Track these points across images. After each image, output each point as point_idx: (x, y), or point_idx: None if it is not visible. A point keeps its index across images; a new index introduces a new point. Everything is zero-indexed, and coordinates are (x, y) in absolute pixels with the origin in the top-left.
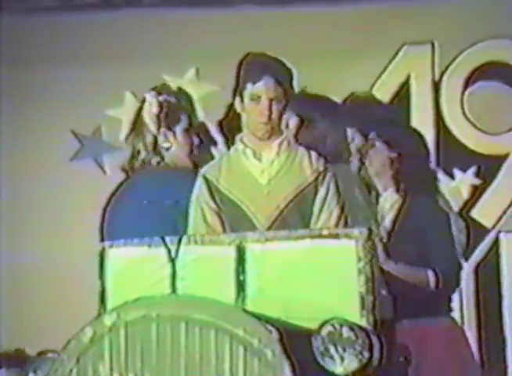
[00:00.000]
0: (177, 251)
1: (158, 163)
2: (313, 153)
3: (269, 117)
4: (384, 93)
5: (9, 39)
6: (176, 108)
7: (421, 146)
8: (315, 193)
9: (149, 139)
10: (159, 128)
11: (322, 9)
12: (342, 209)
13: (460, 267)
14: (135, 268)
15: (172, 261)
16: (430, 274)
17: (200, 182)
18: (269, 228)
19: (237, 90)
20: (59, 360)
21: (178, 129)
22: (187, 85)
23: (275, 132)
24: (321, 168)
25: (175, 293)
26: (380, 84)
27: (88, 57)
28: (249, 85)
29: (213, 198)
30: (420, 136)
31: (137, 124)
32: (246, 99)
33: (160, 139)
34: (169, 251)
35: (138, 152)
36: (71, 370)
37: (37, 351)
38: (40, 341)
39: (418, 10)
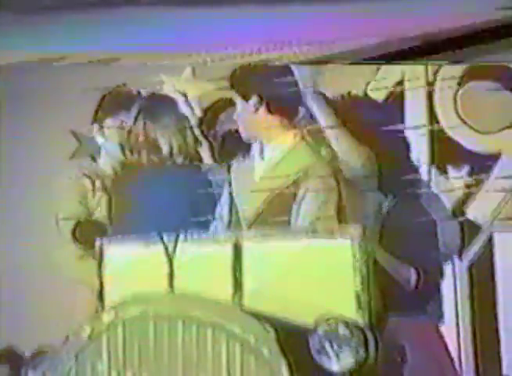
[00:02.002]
0: (174, 248)
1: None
2: (311, 152)
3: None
4: (378, 92)
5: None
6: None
7: (402, 147)
8: (296, 194)
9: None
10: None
11: (322, 9)
12: (319, 208)
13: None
14: (133, 265)
15: (170, 259)
16: (413, 272)
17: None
18: (250, 226)
19: None
20: (58, 358)
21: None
22: (184, 84)
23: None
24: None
25: (173, 291)
26: (375, 84)
27: (87, 57)
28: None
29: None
30: (402, 138)
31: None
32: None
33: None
34: (167, 249)
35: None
36: (70, 368)
37: (35, 349)
38: (38, 339)
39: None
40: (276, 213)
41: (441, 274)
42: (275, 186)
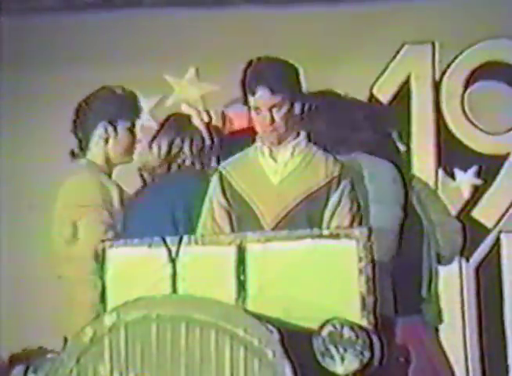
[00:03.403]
0: (177, 251)
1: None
2: (330, 157)
3: (273, 126)
4: (384, 93)
5: (9, 39)
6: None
7: (394, 150)
8: (327, 199)
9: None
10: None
11: (322, 9)
12: (353, 217)
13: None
14: (136, 268)
15: (173, 261)
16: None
17: (215, 177)
18: (274, 228)
19: (246, 101)
20: (59, 360)
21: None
22: (187, 85)
23: (286, 137)
24: (335, 173)
25: (176, 293)
26: (381, 84)
27: (88, 57)
28: (250, 97)
29: (224, 194)
30: (393, 141)
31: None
32: (251, 110)
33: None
34: (169, 251)
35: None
36: (71, 371)
37: (37, 351)
38: (40, 341)
39: (418, 10)
40: (304, 216)
41: (436, 274)
42: (303, 189)
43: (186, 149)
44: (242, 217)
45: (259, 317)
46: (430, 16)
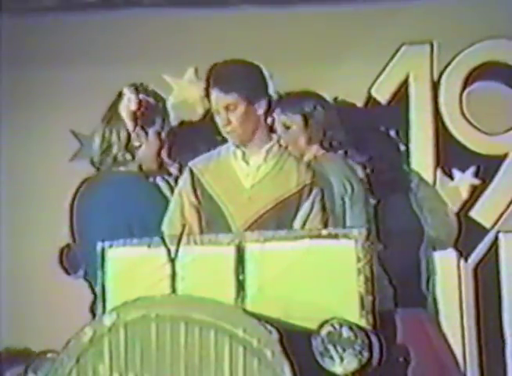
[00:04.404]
0: (176, 251)
1: (126, 160)
2: (302, 165)
3: (230, 126)
4: (382, 93)
5: (9, 39)
6: (153, 109)
7: (392, 148)
8: (298, 207)
9: (124, 134)
10: (134, 125)
11: (321, 9)
12: (324, 225)
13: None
14: (135, 268)
15: (172, 261)
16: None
17: (185, 174)
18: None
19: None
20: (58, 360)
21: (151, 130)
22: (186, 85)
23: (249, 138)
24: (307, 181)
25: (175, 293)
26: (379, 84)
27: (88, 57)
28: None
29: (194, 191)
30: (391, 139)
31: (112, 118)
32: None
33: (133, 136)
34: (169, 251)
35: (110, 146)
36: (71, 370)
37: (37, 351)
38: (40, 341)
39: (417, 10)
40: (273, 223)
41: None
42: (275, 195)
43: (114, 140)
44: (211, 218)
45: (258, 317)
46: (428, 16)
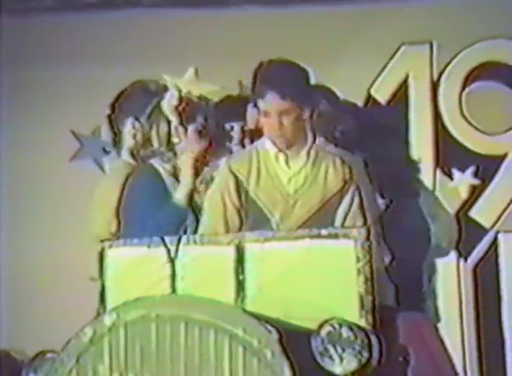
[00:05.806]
0: (176, 251)
1: (169, 159)
2: (338, 161)
3: (281, 130)
4: (382, 93)
5: (9, 39)
6: (195, 107)
7: (397, 149)
8: (339, 203)
9: (164, 129)
10: (177, 120)
11: (320, 9)
12: (364, 216)
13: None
14: (135, 268)
15: (172, 261)
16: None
17: (226, 177)
18: None
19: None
20: (59, 360)
21: (191, 128)
22: (186, 85)
23: (294, 141)
24: (347, 177)
25: (175, 293)
26: (379, 84)
27: (88, 57)
28: (259, 101)
29: (239, 196)
30: (397, 139)
31: (154, 112)
32: (261, 114)
33: (173, 132)
34: (169, 251)
35: (149, 140)
36: (71, 370)
37: (37, 351)
38: (40, 341)
39: (416, 10)
40: (324, 220)
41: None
42: (318, 197)
43: (154, 135)
44: (255, 224)
45: (258, 317)
46: (428, 16)
